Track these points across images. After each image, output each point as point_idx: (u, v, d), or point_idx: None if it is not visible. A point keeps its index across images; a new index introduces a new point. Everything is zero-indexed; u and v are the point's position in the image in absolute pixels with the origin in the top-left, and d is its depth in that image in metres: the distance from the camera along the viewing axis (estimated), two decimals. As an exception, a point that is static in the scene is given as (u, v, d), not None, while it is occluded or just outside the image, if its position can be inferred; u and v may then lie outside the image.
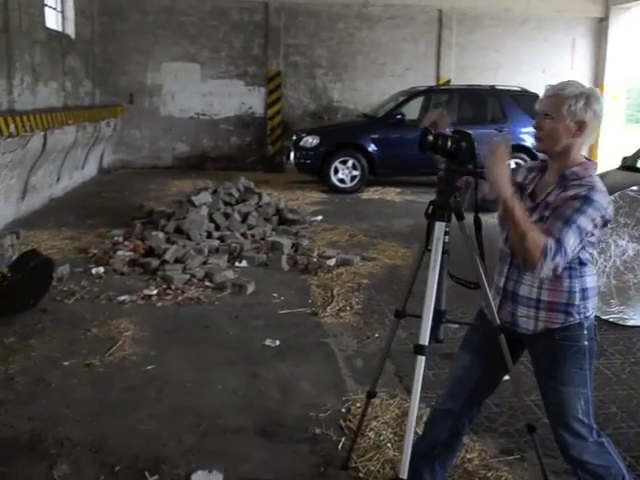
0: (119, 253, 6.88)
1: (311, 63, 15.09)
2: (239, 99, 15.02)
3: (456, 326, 4.40)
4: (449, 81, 15.08)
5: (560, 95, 2.45)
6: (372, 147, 11.95)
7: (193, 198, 8.09)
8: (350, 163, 12.02)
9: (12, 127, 7.87)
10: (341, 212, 10.14)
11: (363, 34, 15.06)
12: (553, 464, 3.32)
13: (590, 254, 2.54)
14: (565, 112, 2.43)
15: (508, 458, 3.41)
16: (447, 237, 2.56)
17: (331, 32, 15.00)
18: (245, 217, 8.08)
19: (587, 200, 2.36)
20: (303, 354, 4.69)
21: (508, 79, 13.78)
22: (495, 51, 15.18)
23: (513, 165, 2.85)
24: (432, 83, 14.80)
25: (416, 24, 15.12)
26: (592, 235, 2.42)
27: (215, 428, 3.63)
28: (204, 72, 14.81)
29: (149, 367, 4.38)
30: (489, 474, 3.25)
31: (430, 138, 2.49)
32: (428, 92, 13.18)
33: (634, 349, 4.91)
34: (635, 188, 5.57)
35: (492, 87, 12.81)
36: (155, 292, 5.83)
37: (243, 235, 7.61)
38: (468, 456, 3.38)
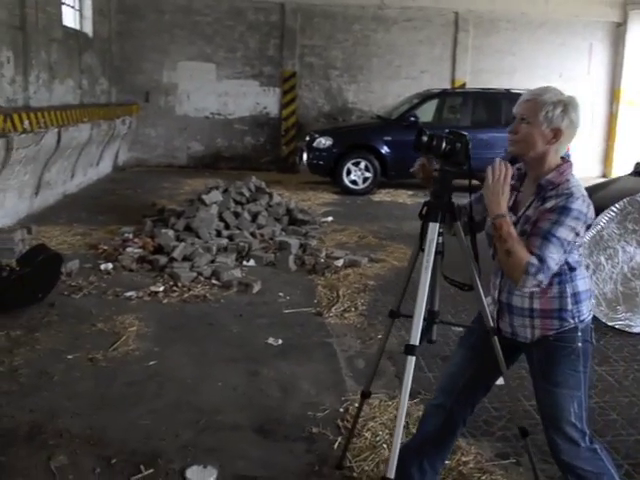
0: (128, 250, 6.94)
1: (326, 64, 15.12)
2: (254, 99, 15.07)
3: (459, 329, 4.41)
4: (464, 84, 15.04)
5: (538, 100, 2.45)
6: (385, 149, 11.96)
7: (204, 197, 8.14)
8: (362, 165, 12.04)
9: (26, 123, 7.95)
10: (352, 213, 10.16)
11: (379, 36, 15.07)
12: (549, 469, 3.32)
13: (580, 255, 2.54)
14: (542, 118, 2.43)
15: (503, 462, 3.41)
16: (441, 238, 2.57)
17: (347, 34, 15.02)
18: (255, 216, 8.11)
19: (564, 211, 2.36)
20: (305, 353, 4.71)
21: (524, 83, 13.68)
22: (511, 55, 15.12)
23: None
24: (447, 86, 14.78)
25: (432, 26, 15.10)
26: (576, 241, 2.42)
27: (213, 424, 3.65)
28: (220, 72, 14.89)
29: (151, 363, 4.42)
30: (483, 477, 3.24)
31: (425, 139, 2.50)
32: (442, 95, 13.19)
33: (639, 356, 4.88)
34: (644, 194, 5.53)
35: (507, 90, 12.77)
36: (162, 289, 5.88)
37: (252, 234, 7.64)
38: (463, 459, 3.38)
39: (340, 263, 6.89)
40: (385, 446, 3.45)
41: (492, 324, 2.59)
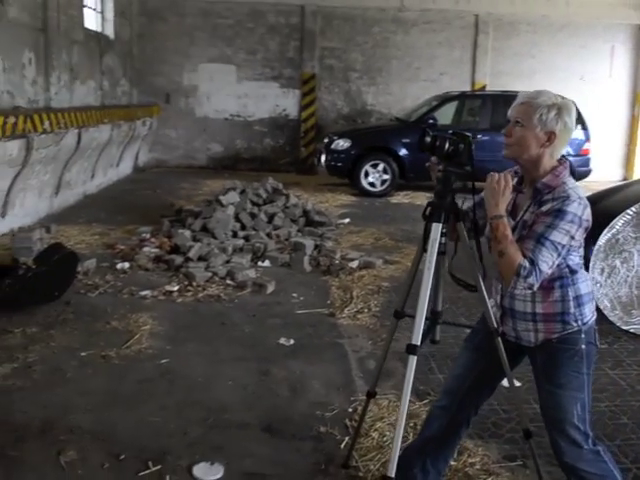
0: (145, 249, 7.01)
1: (346, 66, 15.14)
2: (273, 101, 15.14)
3: (467, 331, 4.39)
4: (484, 86, 14.99)
5: (532, 103, 2.45)
6: (403, 151, 11.94)
7: (221, 197, 8.20)
8: (381, 167, 12.04)
9: (46, 124, 8.06)
10: (369, 215, 10.16)
11: (398, 38, 15.06)
12: (555, 472, 3.28)
13: (580, 257, 2.53)
14: (536, 121, 2.43)
15: (510, 464, 3.40)
16: (444, 238, 2.58)
17: (366, 36, 15.03)
18: (271, 218, 8.15)
19: (559, 214, 2.36)
20: (316, 354, 4.73)
21: (544, 86, 13.38)
22: (531, 57, 15.03)
23: None
24: (467, 88, 14.75)
25: (452, 29, 15.07)
26: (571, 245, 2.42)
27: (221, 422, 3.68)
28: (239, 74, 14.97)
29: (163, 361, 4.47)
30: (489, 479, 3.24)
31: (428, 139, 2.51)
32: (461, 97, 13.16)
33: (652, 361, 4.84)
34: (660, 197, 5.48)
35: (527, 93, 12.69)
36: (176, 288, 5.93)
37: (268, 235, 7.68)
38: (470, 460, 3.38)
39: (355, 264, 6.91)
40: (392, 446, 3.45)
41: (495, 325, 2.59)
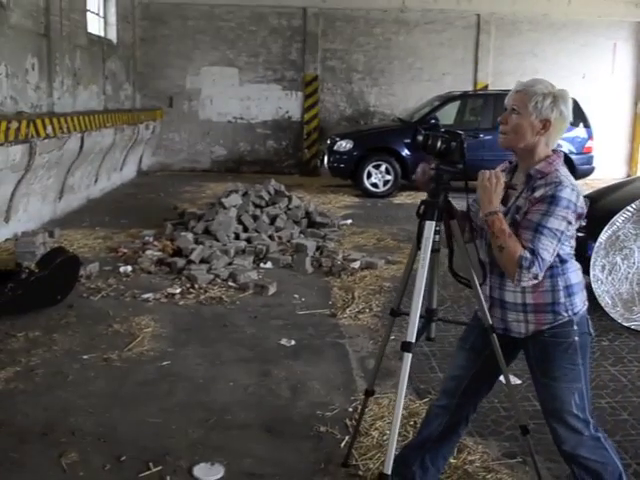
0: (148, 253, 7.03)
1: (348, 68, 15.17)
2: (276, 103, 15.18)
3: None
4: (487, 86, 14.99)
5: (528, 91, 2.47)
6: (405, 152, 11.94)
7: (223, 200, 8.23)
8: (383, 167, 12.06)
9: (49, 129, 8.10)
10: (371, 216, 10.18)
11: (400, 39, 15.09)
12: (555, 468, 3.32)
13: (571, 248, 2.53)
14: (531, 108, 2.45)
15: (510, 461, 3.40)
16: (437, 236, 2.59)
17: (368, 37, 15.07)
18: (274, 219, 8.17)
19: (553, 200, 2.37)
20: (317, 354, 4.74)
21: (547, 84, 13.61)
22: (533, 56, 15.02)
23: None
24: (469, 88, 14.77)
25: (454, 29, 15.08)
26: (568, 231, 2.43)
27: (222, 423, 3.70)
28: (242, 76, 15.03)
29: (165, 363, 4.49)
30: (489, 476, 3.24)
31: (420, 138, 2.53)
32: (463, 97, 13.18)
33: (654, 357, 4.84)
34: (661, 194, 5.48)
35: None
36: (178, 291, 5.95)
37: (270, 237, 7.71)
38: (470, 458, 3.38)
39: (357, 265, 6.92)
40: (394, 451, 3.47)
41: (490, 322, 2.59)
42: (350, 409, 3.91)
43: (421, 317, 2.64)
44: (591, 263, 5.34)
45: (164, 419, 3.72)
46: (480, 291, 2.61)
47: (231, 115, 15.19)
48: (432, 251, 2.57)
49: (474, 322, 2.79)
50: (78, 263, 5.87)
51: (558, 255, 2.47)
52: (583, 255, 5.31)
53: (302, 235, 8.05)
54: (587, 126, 12.36)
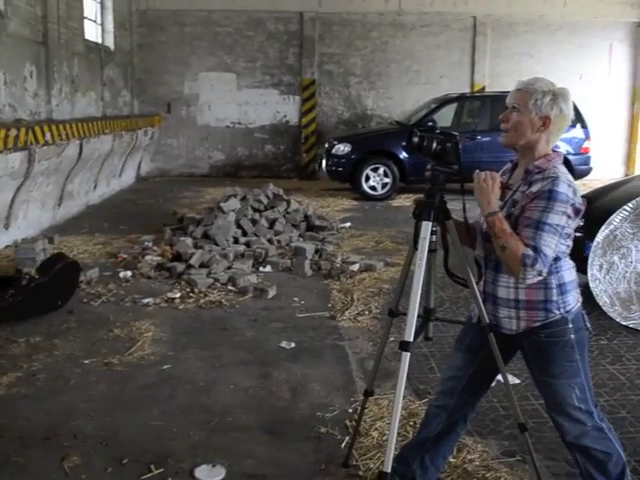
0: (147, 258, 7.05)
1: (345, 72, 15.22)
2: (274, 108, 15.22)
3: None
4: (484, 88, 15.04)
5: (528, 89, 2.51)
6: (403, 154, 11.97)
7: (222, 204, 8.26)
8: (381, 170, 12.09)
9: (48, 135, 8.13)
10: (370, 219, 10.21)
11: (397, 42, 15.14)
12: (554, 466, 3.35)
13: (567, 247, 2.55)
14: (531, 106, 2.49)
15: (509, 460, 3.42)
16: (434, 236, 2.62)
17: (365, 41, 15.12)
18: (272, 223, 8.20)
19: (552, 195, 2.39)
20: (317, 356, 4.77)
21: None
22: (530, 57, 15.07)
23: None
24: (466, 90, 14.81)
25: (450, 31, 15.13)
26: (568, 227, 2.45)
27: (223, 425, 3.73)
28: (240, 81, 15.08)
29: (165, 367, 4.51)
30: (488, 474, 3.26)
31: (416, 139, 2.56)
32: (460, 99, 13.21)
33: (652, 355, 4.87)
34: (657, 193, 5.50)
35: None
36: (178, 295, 5.98)
37: (269, 241, 7.73)
38: (469, 457, 3.40)
39: (356, 268, 6.94)
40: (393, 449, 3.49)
41: (487, 321, 2.61)
42: (350, 410, 3.93)
43: (419, 317, 2.67)
44: (589, 262, 5.37)
45: (165, 422, 3.74)
46: (477, 291, 2.63)
47: (229, 120, 15.24)
48: (429, 251, 2.60)
49: (470, 322, 2.81)
50: (78, 269, 5.90)
51: None
52: (581, 254, 5.35)
53: (301, 238, 8.08)
54: (584, 127, 12.39)
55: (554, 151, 2.58)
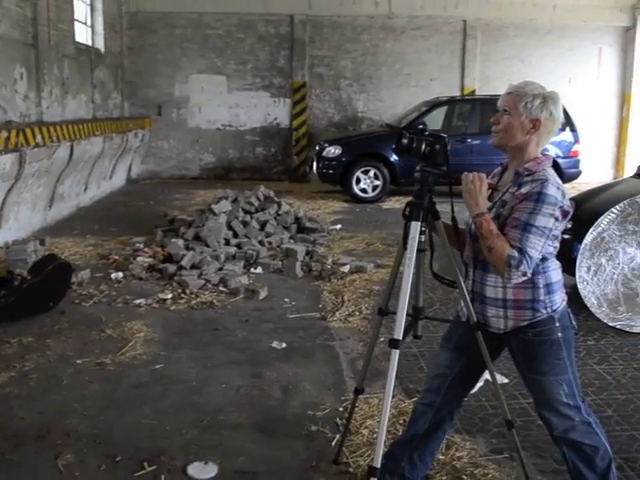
0: (139, 259, 7.08)
1: (336, 74, 15.27)
2: (265, 110, 15.26)
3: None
4: (474, 91, 15.13)
5: (519, 92, 2.57)
6: (394, 157, 12.04)
7: (213, 206, 8.30)
8: (372, 173, 12.15)
9: (39, 137, 8.14)
10: (361, 221, 10.27)
11: (387, 45, 15.20)
12: (541, 464, 3.41)
13: (554, 248, 2.60)
14: (521, 108, 2.55)
15: (497, 457, 3.48)
16: (423, 236, 2.67)
17: (356, 43, 15.17)
18: (263, 225, 8.24)
19: (540, 197, 2.45)
20: (308, 356, 4.81)
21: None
22: (520, 61, 15.17)
23: None
24: (456, 93, 14.87)
25: (441, 35, 15.21)
26: (555, 229, 2.50)
27: (215, 423, 3.77)
28: (230, 84, 15.10)
29: (158, 366, 4.55)
30: (476, 471, 3.32)
31: (405, 141, 2.61)
32: (450, 102, 13.28)
33: (638, 355, 4.92)
34: (644, 196, 5.57)
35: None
36: (170, 296, 6.01)
37: (260, 242, 7.77)
38: (458, 454, 3.46)
39: (346, 269, 7.00)
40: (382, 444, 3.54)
41: (475, 319, 2.66)
42: (341, 409, 3.98)
43: (408, 315, 2.72)
44: (577, 264, 5.42)
45: (158, 420, 3.78)
46: (465, 289, 2.68)
47: (220, 122, 15.26)
48: (418, 251, 2.65)
49: (458, 321, 2.86)
50: (70, 270, 5.92)
51: None
52: (569, 257, 5.42)
53: (292, 240, 8.13)
54: (574, 130, 12.50)
55: (543, 154, 2.64)
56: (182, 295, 6.07)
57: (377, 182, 12.17)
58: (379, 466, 2.63)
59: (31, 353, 4.71)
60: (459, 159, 10.59)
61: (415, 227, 2.64)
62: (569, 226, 5.50)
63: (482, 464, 3.39)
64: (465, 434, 3.68)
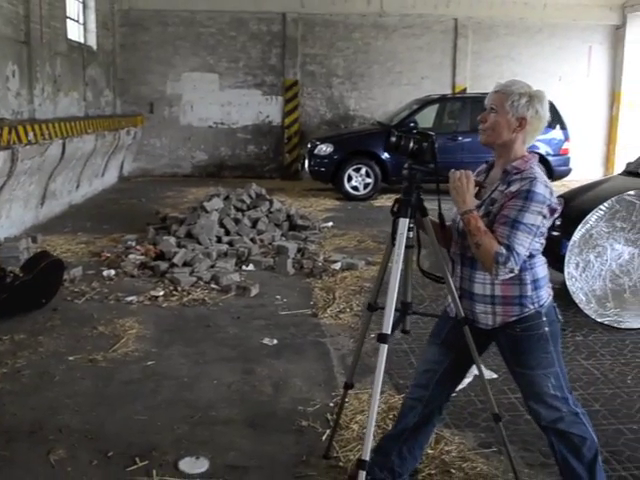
0: (131, 257, 7.10)
1: (328, 72, 15.30)
2: (257, 108, 15.28)
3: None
4: (465, 89, 15.19)
5: (505, 91, 2.62)
6: (385, 155, 12.07)
7: (205, 204, 8.32)
8: (363, 171, 12.19)
9: (31, 135, 8.15)
10: (352, 218, 10.31)
11: (379, 43, 15.24)
12: (529, 457, 3.45)
13: (541, 245, 2.64)
14: (508, 107, 2.59)
15: (485, 451, 3.52)
16: (411, 233, 2.71)
17: (348, 42, 15.21)
18: (255, 223, 8.27)
19: (529, 195, 2.49)
20: (299, 352, 4.85)
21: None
22: (510, 59, 15.24)
23: None
24: (448, 91, 14.94)
25: (432, 33, 15.27)
26: (543, 226, 2.55)
27: (207, 419, 3.80)
28: (222, 82, 15.11)
29: (149, 363, 4.57)
30: (464, 465, 3.36)
31: (393, 139, 2.65)
32: (442, 100, 13.34)
33: (625, 351, 4.98)
34: (632, 192, 5.63)
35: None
36: (162, 293, 6.03)
37: (252, 240, 7.80)
38: (446, 448, 3.50)
39: (337, 266, 7.03)
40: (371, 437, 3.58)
41: (463, 314, 2.71)
42: (331, 404, 4.01)
43: (396, 310, 2.75)
44: (565, 261, 5.48)
45: (150, 416, 3.81)
46: (453, 284, 2.72)
47: (212, 120, 15.27)
48: (406, 247, 2.69)
49: (445, 315, 2.90)
50: (62, 267, 5.94)
51: None
52: (558, 253, 5.47)
53: (283, 238, 8.16)
54: (563, 128, 12.57)
55: (530, 152, 2.68)
56: (174, 292, 6.10)
57: (369, 180, 12.22)
58: (368, 459, 2.66)
59: (23, 350, 4.73)
60: (450, 157, 10.65)
61: (403, 223, 2.68)
62: (558, 223, 5.56)
63: (470, 458, 3.43)
64: (454, 428, 3.72)
